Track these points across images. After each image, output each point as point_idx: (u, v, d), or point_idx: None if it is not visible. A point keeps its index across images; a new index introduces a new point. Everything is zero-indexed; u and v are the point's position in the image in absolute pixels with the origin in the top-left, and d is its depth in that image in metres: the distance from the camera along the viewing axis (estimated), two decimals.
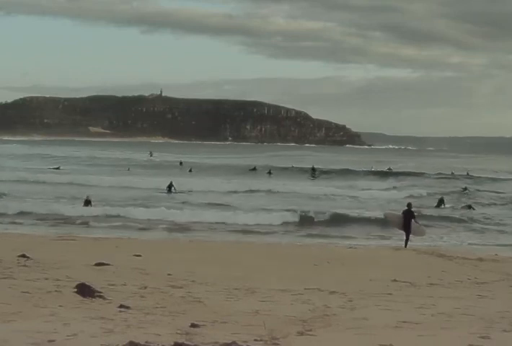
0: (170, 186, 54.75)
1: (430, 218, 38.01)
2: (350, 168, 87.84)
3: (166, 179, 58.36)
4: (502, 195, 55.51)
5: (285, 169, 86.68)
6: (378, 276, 17.63)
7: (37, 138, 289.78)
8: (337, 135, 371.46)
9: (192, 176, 74.30)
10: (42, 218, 35.71)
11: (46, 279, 14.46)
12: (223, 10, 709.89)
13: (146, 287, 14.08)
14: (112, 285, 14.11)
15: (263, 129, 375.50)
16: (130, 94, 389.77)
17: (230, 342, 9.03)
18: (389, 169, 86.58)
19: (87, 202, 39.37)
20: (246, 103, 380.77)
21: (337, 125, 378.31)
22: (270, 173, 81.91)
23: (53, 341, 8.81)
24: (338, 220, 37.93)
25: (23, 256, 18.03)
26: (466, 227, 37.28)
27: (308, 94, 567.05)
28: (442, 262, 22.56)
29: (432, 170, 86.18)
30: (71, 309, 11.21)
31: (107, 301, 12.23)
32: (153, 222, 35.58)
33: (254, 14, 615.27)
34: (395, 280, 17.07)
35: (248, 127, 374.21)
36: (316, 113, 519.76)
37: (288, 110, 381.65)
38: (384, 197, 52.95)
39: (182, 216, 36.83)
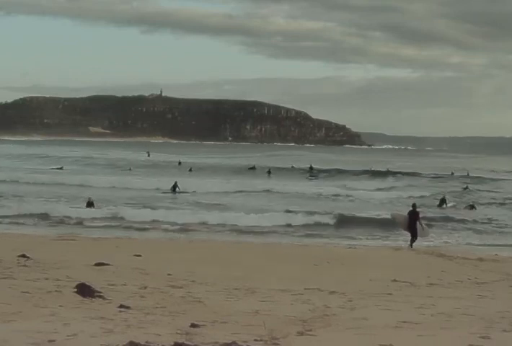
0: (175, 186, 54.54)
1: (430, 218, 37.96)
2: (349, 168, 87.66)
3: (169, 179, 58.31)
4: (502, 195, 55.46)
5: (284, 168, 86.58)
6: (378, 276, 17.63)
7: (37, 138, 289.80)
8: (337, 135, 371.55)
9: (192, 176, 74.21)
10: (43, 219, 35.50)
11: (46, 279, 14.46)
12: (223, 10, 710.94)
13: (146, 287, 14.08)
14: (112, 285, 14.12)
15: (263, 129, 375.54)
16: (130, 94, 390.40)
17: (230, 342, 9.03)
18: (388, 169, 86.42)
19: (90, 204, 39.08)
20: (246, 103, 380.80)
21: (337, 125, 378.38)
22: (269, 172, 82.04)
23: (53, 341, 8.81)
24: (346, 221, 37.25)
25: (23, 256, 18.04)
26: (466, 227, 37.24)
27: (308, 94, 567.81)
28: (442, 262, 22.56)
29: (432, 170, 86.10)
30: (71, 309, 11.21)
31: (107, 301, 12.23)
32: (158, 224, 34.90)
33: (254, 14, 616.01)
34: (395, 280, 17.07)
35: (248, 127, 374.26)
36: (316, 113, 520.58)
37: (288, 110, 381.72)
38: (384, 198, 52.88)
39: (187, 218, 36.14)
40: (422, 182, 71.07)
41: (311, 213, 38.47)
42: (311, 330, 10.47)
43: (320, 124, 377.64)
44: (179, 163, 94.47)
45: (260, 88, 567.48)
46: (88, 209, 38.36)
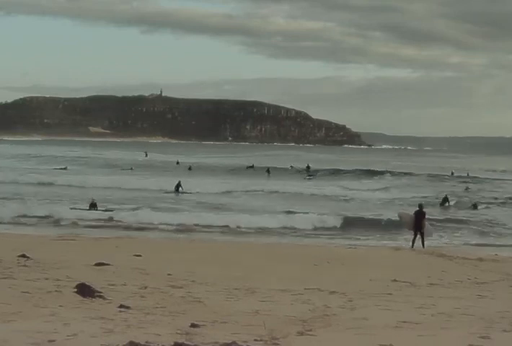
0: (178, 186, 54.38)
1: (430, 218, 37.95)
2: (347, 168, 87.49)
3: (171, 179, 58.16)
4: (502, 195, 55.46)
5: (283, 169, 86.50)
6: (378, 276, 17.63)
7: (37, 137, 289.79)
8: (337, 135, 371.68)
9: (191, 176, 73.97)
10: (44, 221, 35.26)
11: (46, 279, 14.46)
12: (223, 10, 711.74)
13: (146, 287, 14.08)
14: (112, 285, 14.11)
15: (263, 129, 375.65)
16: (130, 94, 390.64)
17: (230, 342, 9.03)
18: (386, 170, 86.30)
19: (93, 205, 38.82)
20: (246, 103, 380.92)
21: (337, 125, 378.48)
22: (268, 172, 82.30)
23: (53, 341, 8.81)
24: (352, 223, 36.67)
25: (23, 256, 18.03)
26: (467, 227, 37.25)
27: (308, 94, 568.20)
28: (442, 262, 22.57)
29: (431, 170, 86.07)
30: (71, 309, 11.20)
31: (107, 301, 12.23)
32: (160, 225, 34.56)
33: (254, 14, 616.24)
34: (395, 280, 17.07)
35: (248, 127, 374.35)
36: (316, 113, 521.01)
37: (288, 110, 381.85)
38: (384, 198, 52.89)
39: (192, 219, 35.67)
40: (422, 182, 71.04)
41: (317, 215, 37.90)
42: (311, 330, 10.47)
43: (320, 124, 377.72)
44: (177, 162, 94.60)
45: (260, 88, 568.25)
46: (91, 210, 38.11)
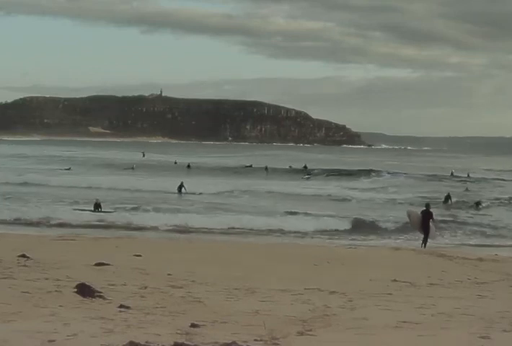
0: (181, 187, 54.29)
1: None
2: (346, 168, 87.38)
3: (170, 179, 58.06)
4: (502, 195, 55.46)
5: (282, 169, 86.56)
6: (378, 276, 17.63)
7: (37, 138, 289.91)
8: (337, 135, 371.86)
9: (190, 175, 73.67)
10: (46, 222, 34.91)
11: (46, 279, 14.46)
12: (223, 10, 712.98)
13: (146, 287, 14.08)
14: (112, 285, 14.11)
15: (263, 129, 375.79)
16: (130, 94, 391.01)
17: (230, 342, 9.02)
18: (387, 170, 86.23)
19: (97, 206, 38.59)
20: (246, 103, 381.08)
21: (337, 125, 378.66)
22: (266, 169, 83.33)
23: (53, 341, 8.80)
24: (362, 226, 36.10)
25: (23, 256, 18.03)
26: (467, 227, 37.25)
27: (308, 94, 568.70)
28: (442, 262, 22.56)
29: (431, 170, 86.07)
30: (71, 309, 11.20)
31: (107, 301, 12.22)
32: (164, 226, 34.23)
33: (254, 14, 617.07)
34: (395, 280, 17.06)
35: (248, 127, 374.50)
36: (316, 113, 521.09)
37: (288, 110, 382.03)
38: (385, 198, 52.84)
39: (197, 221, 35.35)
40: (422, 182, 71.01)
41: (325, 217, 37.34)
42: (311, 330, 10.46)
43: (320, 124, 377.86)
44: (175, 162, 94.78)
45: (260, 88, 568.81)
46: (95, 211, 37.92)
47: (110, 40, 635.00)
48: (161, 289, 14.05)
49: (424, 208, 29.55)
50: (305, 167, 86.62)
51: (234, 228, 34.32)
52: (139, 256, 20.01)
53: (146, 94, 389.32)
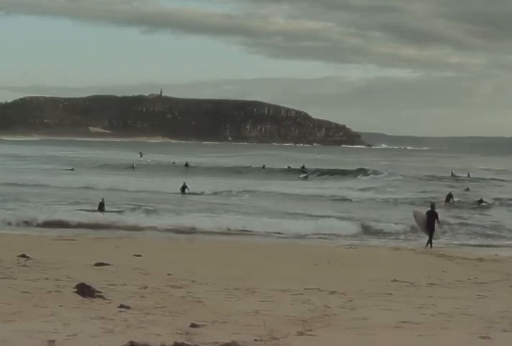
0: (184, 187, 54.21)
1: None
2: (344, 168, 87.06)
3: (170, 179, 57.92)
4: (502, 195, 55.41)
5: (280, 169, 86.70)
6: (378, 276, 17.63)
7: (36, 138, 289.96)
8: (337, 135, 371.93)
9: (189, 175, 73.44)
10: (48, 225, 34.64)
11: (46, 279, 14.46)
12: (223, 10, 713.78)
13: (146, 287, 14.08)
14: (112, 285, 14.11)
15: (263, 129, 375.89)
16: (130, 94, 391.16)
17: (230, 342, 9.03)
18: (386, 170, 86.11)
19: (101, 205, 38.44)
20: (246, 103, 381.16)
21: (337, 125, 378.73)
22: (263, 168, 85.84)
23: (53, 341, 8.81)
24: (370, 229, 34.95)
25: (23, 256, 18.03)
26: (467, 227, 37.23)
27: (308, 94, 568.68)
28: (442, 262, 22.57)
29: (431, 170, 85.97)
30: (71, 309, 11.21)
31: (107, 301, 12.23)
32: (165, 227, 33.69)
33: (254, 14, 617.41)
34: (395, 280, 17.07)
35: (248, 127, 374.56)
36: (316, 113, 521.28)
37: (288, 110, 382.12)
38: (385, 198, 52.72)
39: (201, 222, 34.72)
40: (422, 182, 70.90)
41: (332, 219, 36.55)
42: (311, 330, 10.46)
43: (320, 124, 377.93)
44: (174, 162, 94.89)
45: (260, 88, 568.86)
46: (99, 211, 37.71)
47: (110, 40, 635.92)
48: (161, 289, 14.05)
49: (429, 208, 29.71)
50: (303, 167, 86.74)
51: (233, 228, 34.12)
52: (139, 256, 20.01)
53: (146, 94, 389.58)
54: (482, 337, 10.14)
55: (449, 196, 49.31)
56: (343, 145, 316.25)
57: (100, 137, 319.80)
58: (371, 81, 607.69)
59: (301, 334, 10.18)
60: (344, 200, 51.98)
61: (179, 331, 9.78)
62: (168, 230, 33.41)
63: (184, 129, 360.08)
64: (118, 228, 33.39)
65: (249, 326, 10.51)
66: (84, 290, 12.66)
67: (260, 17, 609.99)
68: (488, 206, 48.06)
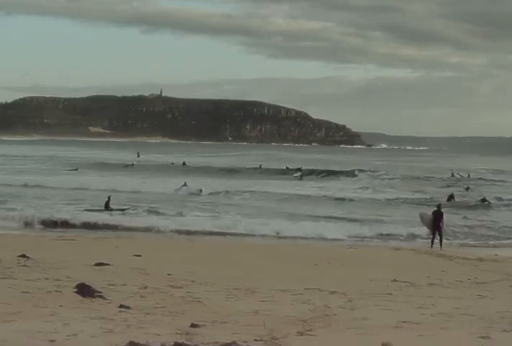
0: (183, 186, 54.22)
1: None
2: (342, 169, 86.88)
3: (169, 179, 57.75)
4: (502, 196, 55.43)
5: (279, 169, 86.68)
6: (378, 276, 17.64)
7: (36, 137, 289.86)
8: (337, 135, 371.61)
9: (188, 175, 73.12)
10: (50, 225, 34.44)
11: (46, 279, 14.46)
12: (223, 10, 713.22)
13: (146, 287, 14.08)
14: (112, 285, 14.12)
15: (263, 129, 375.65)
16: (130, 94, 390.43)
17: (230, 342, 9.03)
18: (385, 170, 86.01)
19: (107, 204, 38.29)
20: (246, 103, 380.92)
21: (337, 125, 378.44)
22: (260, 168, 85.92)
23: (53, 341, 8.81)
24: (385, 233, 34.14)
25: (23, 256, 18.04)
26: (467, 227, 37.23)
27: (308, 94, 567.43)
28: (442, 262, 22.58)
29: (431, 170, 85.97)
30: (71, 309, 11.21)
31: (107, 301, 12.23)
32: (167, 228, 33.20)
33: (254, 14, 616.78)
34: (395, 280, 17.07)
35: (248, 127, 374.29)
36: (316, 113, 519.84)
37: (288, 110, 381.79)
38: (386, 198, 52.62)
39: (200, 222, 34.46)
40: (422, 182, 70.90)
41: (344, 222, 36.06)
42: (311, 330, 10.47)
43: (320, 124, 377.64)
44: (172, 163, 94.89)
45: (260, 88, 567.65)
46: (105, 209, 37.66)
47: (110, 40, 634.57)
48: (161, 289, 14.05)
49: (435, 208, 29.89)
50: (299, 169, 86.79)
51: (233, 229, 33.99)
52: (139, 256, 20.01)
53: (146, 94, 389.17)
54: (482, 337, 10.14)
55: (451, 196, 49.46)
56: (342, 146, 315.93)
57: (100, 137, 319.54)
58: (371, 81, 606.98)
59: (301, 334, 10.18)
60: (342, 199, 51.71)
61: (179, 331, 9.79)
62: (168, 230, 33.43)
63: (184, 129, 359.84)
64: (118, 228, 33.39)
65: (249, 326, 10.52)
66: (84, 290, 12.66)
67: (260, 17, 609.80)
68: (490, 206, 48.14)
